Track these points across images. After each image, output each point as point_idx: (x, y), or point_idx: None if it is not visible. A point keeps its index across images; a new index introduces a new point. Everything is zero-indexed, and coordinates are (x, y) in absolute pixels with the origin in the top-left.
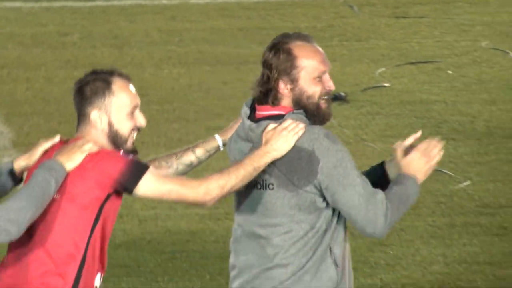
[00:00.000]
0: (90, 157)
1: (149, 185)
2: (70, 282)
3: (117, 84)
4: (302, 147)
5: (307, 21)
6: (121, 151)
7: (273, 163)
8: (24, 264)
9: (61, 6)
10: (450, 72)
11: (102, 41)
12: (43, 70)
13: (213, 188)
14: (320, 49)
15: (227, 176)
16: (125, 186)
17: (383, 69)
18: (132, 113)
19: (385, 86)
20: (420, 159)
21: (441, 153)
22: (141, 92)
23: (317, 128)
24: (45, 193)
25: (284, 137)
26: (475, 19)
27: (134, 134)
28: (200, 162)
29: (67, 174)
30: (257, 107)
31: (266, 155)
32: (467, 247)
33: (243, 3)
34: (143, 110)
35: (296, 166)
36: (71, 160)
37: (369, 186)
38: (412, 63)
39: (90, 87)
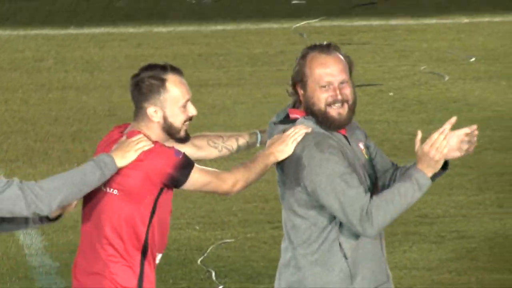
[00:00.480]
0: (144, 153)
1: (195, 180)
2: (137, 271)
3: (171, 80)
4: (296, 152)
5: (261, 47)
6: (174, 141)
7: (278, 163)
8: (94, 256)
9: (37, 34)
10: (391, 94)
11: (74, 65)
12: (20, 92)
13: (240, 180)
14: (334, 60)
15: (249, 170)
16: (176, 182)
17: None
18: (184, 106)
19: None
20: (426, 155)
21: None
22: (110, 112)
23: (312, 136)
24: (86, 183)
25: (284, 141)
26: (414, 46)
27: (187, 124)
28: (238, 150)
29: (123, 169)
30: (289, 110)
31: (271, 156)
32: (407, 253)
33: (202, 31)
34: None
35: (288, 169)
36: (125, 158)
37: (353, 191)
38: (357, 86)
39: (146, 84)
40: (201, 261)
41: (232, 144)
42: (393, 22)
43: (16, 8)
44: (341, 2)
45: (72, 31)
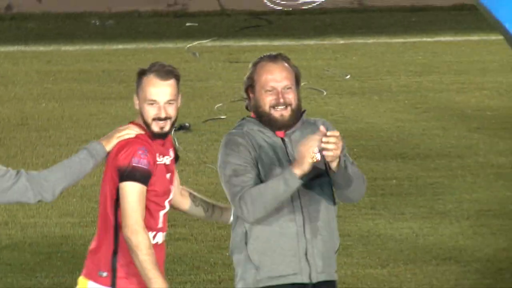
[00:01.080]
0: (119, 144)
1: (125, 192)
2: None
3: (148, 77)
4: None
5: None
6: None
7: None
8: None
9: None
10: (242, 120)
11: None
12: None
13: (137, 242)
14: (280, 68)
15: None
16: (119, 177)
17: (220, 104)
18: (150, 105)
19: (222, 118)
20: (297, 156)
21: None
22: (22, 122)
23: (227, 134)
24: (82, 171)
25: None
26: (295, 64)
27: (158, 122)
28: (211, 215)
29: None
30: None
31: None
32: None
33: (105, 49)
34: (24, 137)
35: None
36: (109, 144)
37: (237, 180)
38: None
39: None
40: None
41: (209, 206)
42: (276, 43)
43: None
44: (229, 25)
45: None
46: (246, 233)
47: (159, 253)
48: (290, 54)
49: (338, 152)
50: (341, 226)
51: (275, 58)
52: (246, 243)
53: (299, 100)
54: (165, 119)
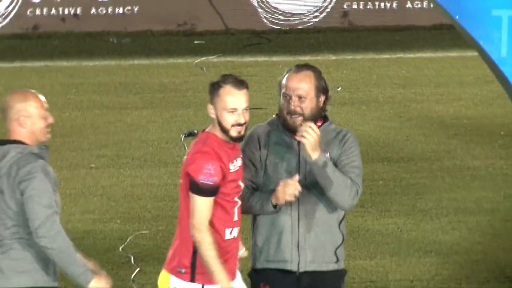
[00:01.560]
0: (195, 147)
1: (195, 202)
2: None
3: (225, 88)
4: None
5: (169, 78)
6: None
7: None
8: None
9: None
10: (274, 116)
11: None
12: None
13: (200, 238)
14: (298, 77)
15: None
16: (189, 185)
17: None
18: (231, 112)
19: None
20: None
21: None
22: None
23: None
24: (69, 269)
25: None
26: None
27: (237, 128)
28: None
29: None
30: None
31: None
32: None
33: (122, 65)
34: (49, 143)
35: None
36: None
37: None
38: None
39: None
40: (122, 248)
41: None
42: (275, 58)
43: None
44: (233, 42)
45: (16, 64)
46: (255, 221)
47: (235, 246)
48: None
49: (309, 139)
50: None
51: (299, 68)
52: (254, 230)
53: (315, 109)
54: (243, 124)
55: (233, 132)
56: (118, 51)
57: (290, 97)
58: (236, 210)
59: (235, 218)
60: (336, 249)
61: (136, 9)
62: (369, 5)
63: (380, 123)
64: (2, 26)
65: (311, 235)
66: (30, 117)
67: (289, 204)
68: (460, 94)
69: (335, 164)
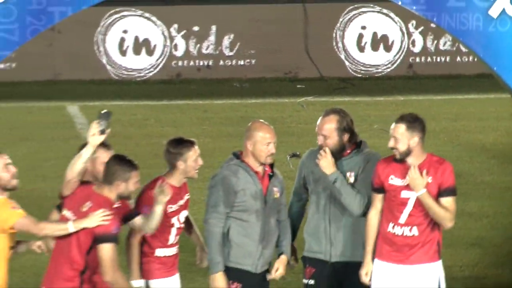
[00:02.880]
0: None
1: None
2: None
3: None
4: None
5: (278, 113)
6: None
7: None
8: None
9: None
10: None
11: None
12: None
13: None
14: (321, 120)
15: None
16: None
17: None
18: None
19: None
20: None
21: None
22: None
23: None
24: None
25: None
26: (371, 114)
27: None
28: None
29: None
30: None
31: None
32: None
33: (242, 103)
34: None
35: None
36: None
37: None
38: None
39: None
40: None
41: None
42: (357, 99)
43: None
44: (326, 86)
45: (164, 102)
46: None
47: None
48: (368, 107)
49: (322, 161)
50: None
51: (326, 112)
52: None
53: (338, 145)
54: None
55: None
56: (240, 93)
57: (319, 136)
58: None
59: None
60: (363, 243)
61: (253, 61)
62: (429, 59)
63: (436, 148)
64: (153, 74)
65: (340, 234)
66: None
67: (322, 211)
68: (497, 126)
69: (356, 180)
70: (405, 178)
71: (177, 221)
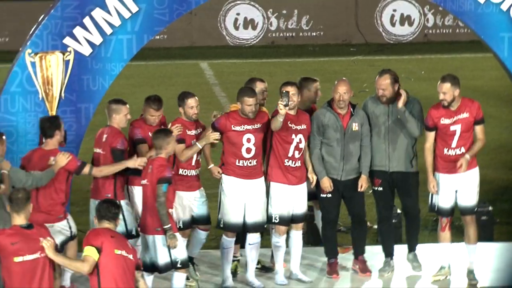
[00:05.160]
0: None
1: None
2: None
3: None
4: None
5: (337, 67)
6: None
7: None
8: None
9: None
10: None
11: None
12: None
13: None
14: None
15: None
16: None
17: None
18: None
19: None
20: None
21: None
22: None
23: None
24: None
25: None
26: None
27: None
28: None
29: None
30: None
31: None
32: None
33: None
34: None
35: None
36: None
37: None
38: None
39: None
40: None
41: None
42: (390, 57)
43: None
44: (369, 49)
45: None
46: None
47: None
48: (397, 63)
49: (400, 102)
50: None
51: (379, 73)
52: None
53: (392, 93)
54: None
55: None
56: (313, 54)
57: (378, 90)
58: None
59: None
60: (411, 160)
61: (322, 33)
62: (438, 31)
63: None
64: (256, 42)
65: (395, 153)
66: None
67: (383, 138)
68: (483, 75)
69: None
70: (451, 118)
71: None
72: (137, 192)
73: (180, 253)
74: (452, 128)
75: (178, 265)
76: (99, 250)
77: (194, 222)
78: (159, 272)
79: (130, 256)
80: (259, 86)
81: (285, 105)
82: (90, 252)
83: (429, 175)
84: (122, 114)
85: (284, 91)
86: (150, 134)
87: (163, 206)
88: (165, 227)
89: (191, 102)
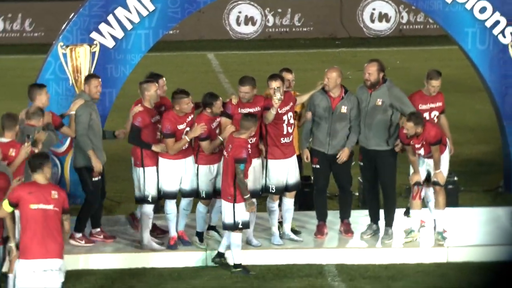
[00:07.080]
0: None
1: None
2: None
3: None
4: None
5: (325, 58)
6: None
7: None
8: None
9: None
10: None
11: None
12: None
13: None
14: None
15: None
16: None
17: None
18: None
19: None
20: None
21: None
22: None
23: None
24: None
25: None
26: None
27: None
28: None
29: None
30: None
31: None
32: None
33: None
34: None
35: None
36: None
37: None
38: None
39: None
40: None
41: None
42: (370, 49)
43: None
44: (352, 42)
45: None
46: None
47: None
48: (376, 54)
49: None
50: None
51: (368, 61)
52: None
53: (377, 79)
54: None
55: None
56: (303, 46)
57: (365, 74)
58: None
59: None
60: (387, 140)
61: (311, 28)
62: (411, 26)
63: (416, 78)
64: (255, 36)
65: (371, 133)
66: None
67: (362, 119)
68: (450, 64)
69: (383, 103)
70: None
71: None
72: (162, 163)
73: (243, 216)
74: (417, 145)
75: (240, 226)
76: (13, 205)
77: (215, 193)
78: (224, 229)
79: (50, 207)
80: (286, 76)
81: (279, 99)
82: (4, 205)
83: (415, 170)
84: (153, 90)
85: (275, 87)
86: (178, 127)
87: (243, 182)
88: (245, 197)
89: (219, 103)
